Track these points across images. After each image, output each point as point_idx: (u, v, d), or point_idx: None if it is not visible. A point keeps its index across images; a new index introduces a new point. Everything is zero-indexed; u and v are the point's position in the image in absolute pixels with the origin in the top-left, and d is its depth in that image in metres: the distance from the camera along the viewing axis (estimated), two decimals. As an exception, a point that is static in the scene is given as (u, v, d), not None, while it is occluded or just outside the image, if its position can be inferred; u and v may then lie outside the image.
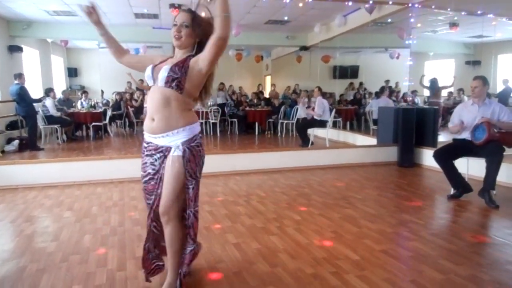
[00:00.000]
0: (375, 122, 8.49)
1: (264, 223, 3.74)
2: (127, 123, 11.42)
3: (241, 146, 8.56)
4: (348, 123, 11.49)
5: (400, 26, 9.87)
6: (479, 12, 7.98)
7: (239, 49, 13.31)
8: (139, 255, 2.98)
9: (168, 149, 2.28)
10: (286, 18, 10.11)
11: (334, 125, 10.16)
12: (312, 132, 8.62)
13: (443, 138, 7.50)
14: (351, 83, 14.72)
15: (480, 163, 4.43)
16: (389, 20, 9.74)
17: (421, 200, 4.63)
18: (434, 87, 10.37)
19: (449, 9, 7.97)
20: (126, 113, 11.06)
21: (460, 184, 4.53)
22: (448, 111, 10.07)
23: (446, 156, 4.55)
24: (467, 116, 4.52)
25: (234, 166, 6.20)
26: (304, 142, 8.33)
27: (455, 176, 4.53)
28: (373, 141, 7.88)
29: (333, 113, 8.63)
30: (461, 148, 4.54)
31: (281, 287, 2.48)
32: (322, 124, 8.29)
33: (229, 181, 5.62)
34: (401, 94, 12.76)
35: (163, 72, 2.22)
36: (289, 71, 15.11)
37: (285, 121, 10.72)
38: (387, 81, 13.32)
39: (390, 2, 7.65)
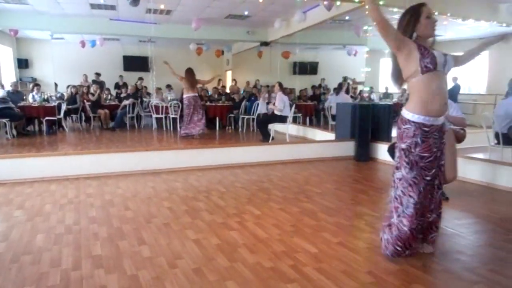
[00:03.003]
0: (334, 117, 8.68)
1: (224, 219, 3.74)
2: (83, 118, 11.02)
3: (201, 142, 8.49)
4: (308, 118, 11.69)
5: (357, 23, 10.12)
6: (435, 12, 8.31)
7: (199, 43, 13.17)
8: (96, 253, 2.92)
9: (441, 126, 2.70)
10: (246, 13, 10.10)
11: (294, 120, 10.30)
12: (273, 127, 8.69)
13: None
14: (320, 85, 14.83)
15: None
16: (347, 18, 9.96)
17: (376, 193, 4.80)
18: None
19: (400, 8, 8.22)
20: (83, 108, 10.68)
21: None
22: (401, 106, 10.43)
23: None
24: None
25: (195, 161, 6.15)
26: (265, 137, 8.39)
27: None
28: (331, 136, 8.06)
29: (293, 108, 8.73)
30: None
31: (240, 281, 2.50)
32: (282, 119, 8.37)
33: (190, 176, 5.57)
34: (358, 91, 13.10)
35: (451, 61, 2.68)
36: (250, 66, 15.14)
37: (246, 116, 10.75)
38: (345, 78, 13.63)
39: None
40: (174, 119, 10.39)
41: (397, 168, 2.78)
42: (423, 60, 2.57)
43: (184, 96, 8.97)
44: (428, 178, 2.71)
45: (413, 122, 2.65)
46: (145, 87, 12.93)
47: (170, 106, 10.29)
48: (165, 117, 10.45)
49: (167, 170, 5.90)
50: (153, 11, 9.74)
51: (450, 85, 12.17)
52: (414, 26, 2.65)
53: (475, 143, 6.73)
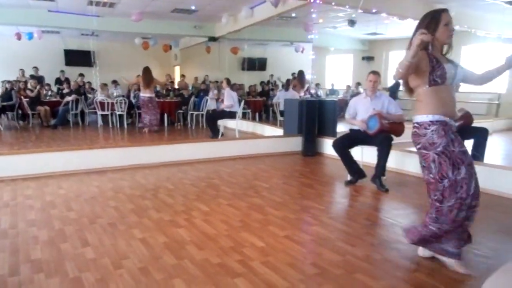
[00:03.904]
0: (282, 113, 8.83)
1: (172, 216, 3.71)
2: (19, 115, 10.41)
3: (150, 139, 8.33)
4: (257, 114, 11.79)
5: (303, 21, 10.31)
6: (373, 10, 8.65)
7: (145, 37, 12.85)
8: (36, 257, 2.80)
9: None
10: (193, 7, 9.98)
11: (244, 116, 10.35)
12: (222, 123, 8.69)
13: (342, 128, 8.06)
14: (269, 81, 14.88)
15: (373, 151, 4.87)
16: (293, 15, 10.13)
17: (322, 187, 4.96)
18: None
19: (347, 6, 8.49)
20: (19, 104, 10.07)
21: (355, 171, 4.93)
22: (346, 103, 10.79)
23: (343, 145, 4.91)
24: (361, 108, 4.91)
25: (142, 159, 6.03)
26: (214, 133, 8.38)
27: (351, 164, 4.92)
28: (280, 131, 8.19)
29: (242, 104, 8.78)
30: (356, 137, 4.93)
31: (187, 278, 2.50)
32: (231, 115, 8.39)
33: (137, 175, 5.46)
34: (306, 87, 13.36)
35: (460, 74, 2.67)
36: (198, 61, 14.99)
37: (195, 112, 10.66)
38: (294, 74, 13.86)
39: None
40: (121, 116, 10.10)
41: (441, 179, 2.55)
42: (433, 73, 2.54)
43: (140, 95, 9.27)
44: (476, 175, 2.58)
45: (436, 121, 2.55)
46: (89, 82, 12.42)
47: (116, 103, 9.98)
48: (111, 114, 10.11)
49: (113, 169, 5.73)
50: (95, 3, 9.36)
51: (391, 82, 12.77)
52: (434, 31, 2.57)
53: (413, 136, 7.12)
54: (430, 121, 2.56)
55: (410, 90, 2.72)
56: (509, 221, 3.80)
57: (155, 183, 5.02)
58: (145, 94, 9.09)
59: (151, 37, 12.95)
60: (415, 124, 2.65)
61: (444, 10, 2.63)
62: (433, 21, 2.60)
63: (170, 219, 3.64)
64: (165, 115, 10.41)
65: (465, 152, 2.57)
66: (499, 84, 11.42)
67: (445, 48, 2.70)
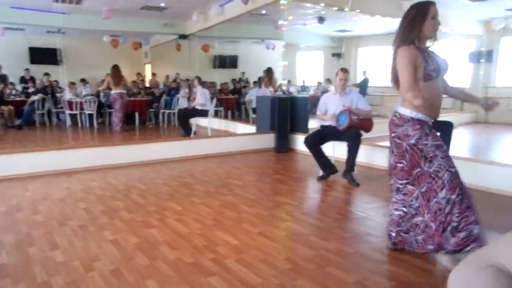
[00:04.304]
0: (254, 111, 8.85)
1: (144, 217, 3.67)
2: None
3: (121, 138, 8.18)
4: (229, 112, 11.76)
5: (273, 18, 10.35)
6: (346, 9, 8.78)
7: (114, 35, 12.57)
8: (1, 262, 2.71)
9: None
10: (163, 4, 9.84)
11: (216, 114, 10.32)
12: (194, 121, 8.63)
13: (313, 124, 8.16)
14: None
15: (344, 147, 4.95)
16: (264, 12, 10.15)
17: (294, 183, 5.01)
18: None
19: (322, 5, 8.57)
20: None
21: (327, 166, 5.01)
22: (317, 99, 10.92)
23: (315, 141, 4.97)
24: (331, 105, 4.99)
25: (113, 159, 5.91)
26: (186, 131, 8.31)
27: (323, 159, 4.99)
28: (252, 129, 8.21)
29: (214, 102, 8.74)
30: (327, 133, 5.00)
31: (160, 279, 2.48)
32: (203, 113, 8.34)
33: (108, 175, 5.35)
34: (277, 84, 13.42)
35: (447, 66, 2.64)
36: (169, 59, 14.79)
37: (167, 111, 10.53)
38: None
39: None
40: (90, 115, 9.86)
41: (413, 167, 2.63)
42: (427, 67, 2.51)
43: (111, 92, 9.13)
44: (452, 169, 2.56)
45: (416, 119, 2.58)
46: (56, 81, 12.06)
47: (85, 102, 9.73)
48: (80, 114, 9.86)
49: (83, 169, 5.61)
50: (61, 0, 9.10)
51: (360, 78, 13.01)
52: (421, 24, 2.52)
53: (382, 131, 7.26)
54: (411, 118, 2.59)
55: (398, 85, 2.64)
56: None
57: (126, 183, 4.94)
58: (116, 90, 8.95)
59: (120, 34, 12.68)
60: (396, 114, 2.68)
61: (431, 3, 2.56)
62: (420, 13, 2.53)
63: (142, 219, 3.60)
64: (136, 114, 10.24)
65: (439, 145, 2.59)
66: (463, 79, 11.83)
67: (429, 41, 2.64)
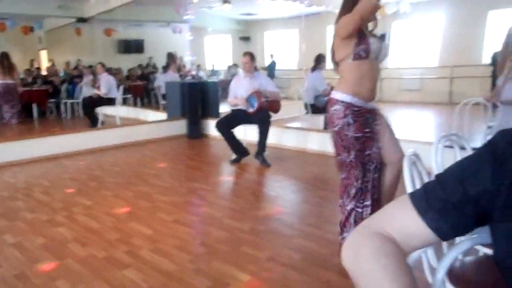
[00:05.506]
0: (164, 97, 8.66)
1: (49, 215, 3.46)
2: None
3: (17, 132, 7.50)
4: (138, 99, 11.36)
5: (177, 1, 10.12)
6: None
7: (1, 17, 11.32)
8: None
9: (373, 109, 2.58)
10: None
11: (124, 102, 9.90)
12: (101, 111, 8.20)
13: (225, 109, 8.24)
14: (148, 64, 14.21)
15: (255, 130, 5.10)
16: (168, -5, 9.89)
17: (208, 168, 5.07)
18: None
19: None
20: None
21: (239, 149, 5.13)
22: (227, 83, 11.03)
23: (226, 125, 5.05)
24: (241, 88, 5.08)
25: (9, 155, 5.42)
26: (93, 122, 7.89)
27: (235, 143, 5.10)
28: (163, 116, 8.04)
29: (121, 89, 8.37)
30: (238, 117, 5.10)
31: (71, 278, 2.39)
32: (110, 102, 7.96)
33: (4, 173, 4.92)
34: (186, 69, 13.23)
35: (387, 49, 2.56)
36: (68, 45, 13.74)
37: (70, 101, 9.85)
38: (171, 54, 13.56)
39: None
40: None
41: (337, 155, 2.64)
42: (357, 47, 2.41)
43: None
44: (365, 160, 2.55)
45: (342, 101, 2.48)
46: None
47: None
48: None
49: (-27, 170, 5.08)
50: None
51: (268, 61, 13.33)
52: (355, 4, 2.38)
53: (290, 113, 7.63)
54: (337, 100, 2.50)
55: (336, 64, 2.59)
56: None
57: (27, 181, 4.59)
58: (4, 81, 8.13)
59: (7, 17, 11.44)
60: (330, 96, 2.62)
61: None
62: None
63: (47, 218, 3.39)
64: (34, 106, 9.43)
65: (359, 138, 2.49)
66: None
67: (371, 24, 2.56)
